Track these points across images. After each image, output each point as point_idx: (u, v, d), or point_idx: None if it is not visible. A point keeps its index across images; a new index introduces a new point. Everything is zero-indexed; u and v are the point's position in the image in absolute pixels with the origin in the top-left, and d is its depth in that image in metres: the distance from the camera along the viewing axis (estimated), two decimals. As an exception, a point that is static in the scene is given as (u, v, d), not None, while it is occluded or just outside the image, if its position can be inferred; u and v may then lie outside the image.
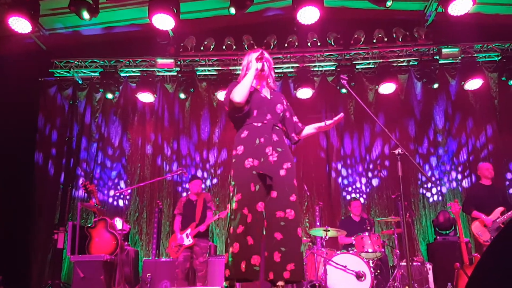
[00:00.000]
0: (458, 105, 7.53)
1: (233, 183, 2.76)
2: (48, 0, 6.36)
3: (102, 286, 4.87)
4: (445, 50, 7.20)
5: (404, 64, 7.65)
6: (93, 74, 7.78)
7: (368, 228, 5.36)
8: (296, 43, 7.28)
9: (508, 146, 7.25)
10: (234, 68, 7.53)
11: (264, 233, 2.68)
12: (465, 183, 7.24)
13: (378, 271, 5.30)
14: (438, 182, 7.29)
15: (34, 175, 7.31)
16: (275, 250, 2.62)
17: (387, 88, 7.30)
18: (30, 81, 7.55)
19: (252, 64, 2.92)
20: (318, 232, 5.29)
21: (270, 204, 2.71)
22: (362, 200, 7.07)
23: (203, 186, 7.26)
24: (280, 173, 2.76)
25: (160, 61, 7.42)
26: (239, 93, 2.78)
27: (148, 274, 5.71)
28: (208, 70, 7.78)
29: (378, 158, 7.45)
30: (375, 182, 7.38)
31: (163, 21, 6.00)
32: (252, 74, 2.84)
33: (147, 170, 7.59)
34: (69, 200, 7.30)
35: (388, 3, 5.86)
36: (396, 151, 3.28)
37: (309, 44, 7.20)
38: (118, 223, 5.85)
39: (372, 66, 7.59)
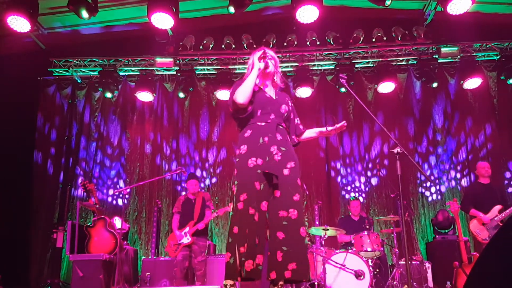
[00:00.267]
0: (457, 104, 7.54)
1: (236, 182, 2.73)
2: (47, -1, 6.36)
3: (101, 285, 4.87)
4: (444, 49, 7.20)
5: (403, 63, 7.65)
6: (92, 73, 7.77)
7: (367, 227, 5.37)
8: (295, 42, 7.28)
9: (507, 145, 7.26)
10: (233, 67, 7.53)
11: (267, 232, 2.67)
12: (464, 182, 7.24)
13: (377, 270, 5.32)
14: (437, 181, 7.30)
15: (33, 174, 7.29)
16: (277, 250, 2.61)
17: (386, 87, 7.30)
18: (29, 80, 7.55)
19: (255, 64, 2.90)
20: (317, 231, 5.30)
21: (273, 204, 2.69)
22: (361, 199, 7.06)
23: (202, 185, 7.26)
24: (284, 172, 2.74)
25: (159, 60, 7.41)
26: (242, 94, 2.76)
27: (147, 273, 5.72)
28: (207, 69, 7.77)
29: (377, 157, 7.46)
30: (374, 181, 7.40)
31: (162, 20, 5.99)
32: (254, 74, 2.82)
33: (146, 169, 7.59)
34: (68, 199, 7.29)
35: (387, 2, 5.85)
36: (395, 150, 3.27)
37: (308, 43, 7.19)
38: (117, 222, 5.85)
39: (371, 65, 7.59)
